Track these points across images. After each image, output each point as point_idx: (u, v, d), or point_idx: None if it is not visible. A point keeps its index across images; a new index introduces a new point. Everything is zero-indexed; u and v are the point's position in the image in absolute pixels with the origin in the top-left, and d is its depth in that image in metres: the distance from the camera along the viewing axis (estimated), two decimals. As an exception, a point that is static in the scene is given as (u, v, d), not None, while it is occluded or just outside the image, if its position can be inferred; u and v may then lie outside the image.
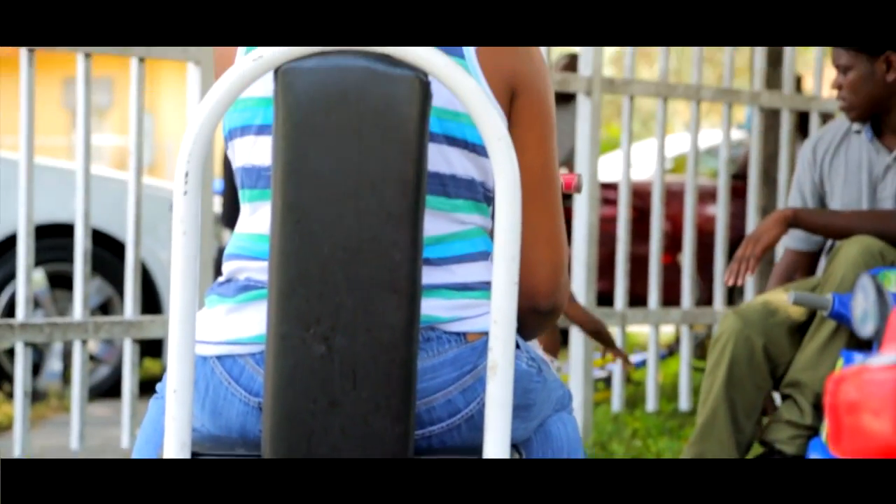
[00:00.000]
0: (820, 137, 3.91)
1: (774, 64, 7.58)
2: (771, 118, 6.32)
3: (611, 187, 6.59)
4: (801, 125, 6.71)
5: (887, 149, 3.79)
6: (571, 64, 7.44)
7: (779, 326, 3.66)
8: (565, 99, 7.49)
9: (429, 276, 1.92)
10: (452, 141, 1.93)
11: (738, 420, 3.64)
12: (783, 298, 3.69)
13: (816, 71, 5.40)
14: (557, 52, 7.91)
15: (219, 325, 1.95)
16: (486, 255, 1.98)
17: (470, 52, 1.93)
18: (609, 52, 18.08)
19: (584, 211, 4.85)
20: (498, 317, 1.81)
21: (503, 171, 1.79)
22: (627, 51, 4.96)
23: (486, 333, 1.92)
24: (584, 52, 4.86)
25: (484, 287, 1.95)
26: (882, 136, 3.81)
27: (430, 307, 1.92)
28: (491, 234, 2.00)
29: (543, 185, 1.98)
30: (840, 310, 3.45)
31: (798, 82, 7.78)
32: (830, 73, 13.00)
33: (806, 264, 3.91)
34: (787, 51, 5.27)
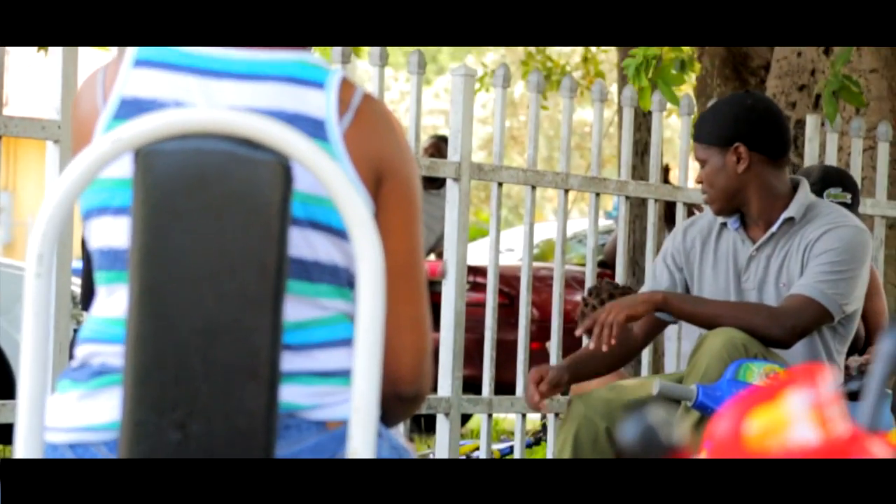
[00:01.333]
0: (692, 223, 3.95)
1: (641, 154, 7.69)
2: (638, 207, 6.40)
3: (479, 272, 6.60)
4: (668, 215, 6.80)
5: (752, 240, 3.84)
6: (438, 147, 7.48)
7: (622, 408, 3.67)
8: (435, 184, 7.52)
9: (289, 361, 1.88)
10: (316, 226, 1.91)
11: None
12: (631, 382, 3.72)
13: (682, 162, 5.48)
14: (426, 136, 7.95)
15: (71, 411, 1.90)
16: (348, 342, 1.95)
17: (335, 135, 1.92)
18: (478, 138, 18.22)
19: (451, 297, 4.85)
20: (359, 404, 1.78)
21: (366, 257, 1.77)
22: (497, 137, 4.99)
23: (346, 421, 1.89)
24: (454, 137, 4.87)
25: (346, 374, 1.92)
26: (747, 228, 3.86)
27: (290, 394, 1.88)
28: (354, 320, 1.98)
29: (408, 269, 1.96)
30: (704, 401, 3.48)
31: (665, 173, 7.90)
32: (696, 165, 13.26)
33: (652, 326, 3.90)
34: (654, 142, 5.35)
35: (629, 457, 1.33)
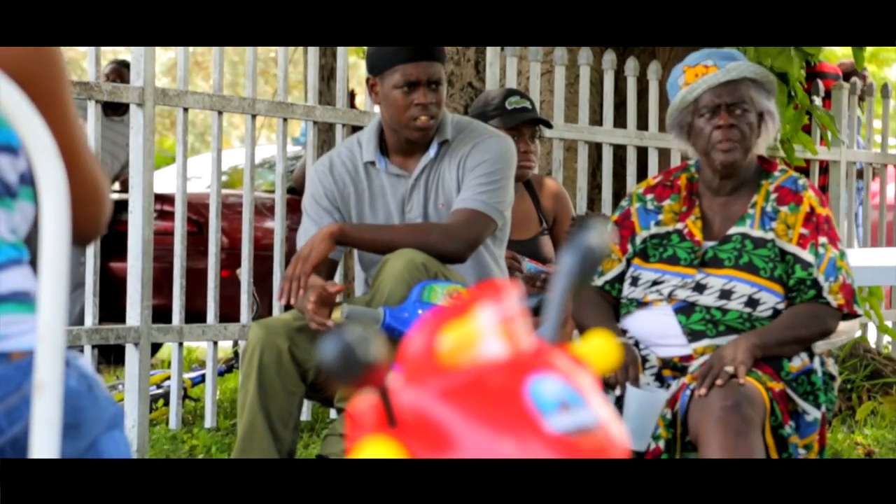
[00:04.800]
0: (331, 164, 3.95)
1: (328, 80, 7.68)
2: (325, 132, 6.41)
3: (167, 200, 6.50)
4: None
5: (407, 171, 3.90)
6: (119, 73, 7.30)
7: (302, 330, 3.70)
8: (118, 110, 7.34)
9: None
10: None
11: (276, 429, 3.65)
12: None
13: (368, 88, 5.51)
14: (106, 61, 7.75)
15: None
16: (17, 261, 1.88)
17: None
18: (161, 63, 17.88)
19: (138, 225, 4.76)
20: (45, 333, 1.73)
21: (48, 183, 1.71)
22: (181, 62, 4.90)
23: (32, 352, 1.84)
24: (136, 62, 4.77)
25: (23, 299, 1.86)
26: (393, 161, 3.91)
27: (-33, 327, 1.81)
28: (17, 233, 1.91)
29: (74, 160, 1.91)
30: (392, 322, 3.52)
31: (351, 98, 7.93)
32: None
33: (330, 269, 3.94)
34: (340, 67, 5.36)
35: (329, 375, 1.34)
